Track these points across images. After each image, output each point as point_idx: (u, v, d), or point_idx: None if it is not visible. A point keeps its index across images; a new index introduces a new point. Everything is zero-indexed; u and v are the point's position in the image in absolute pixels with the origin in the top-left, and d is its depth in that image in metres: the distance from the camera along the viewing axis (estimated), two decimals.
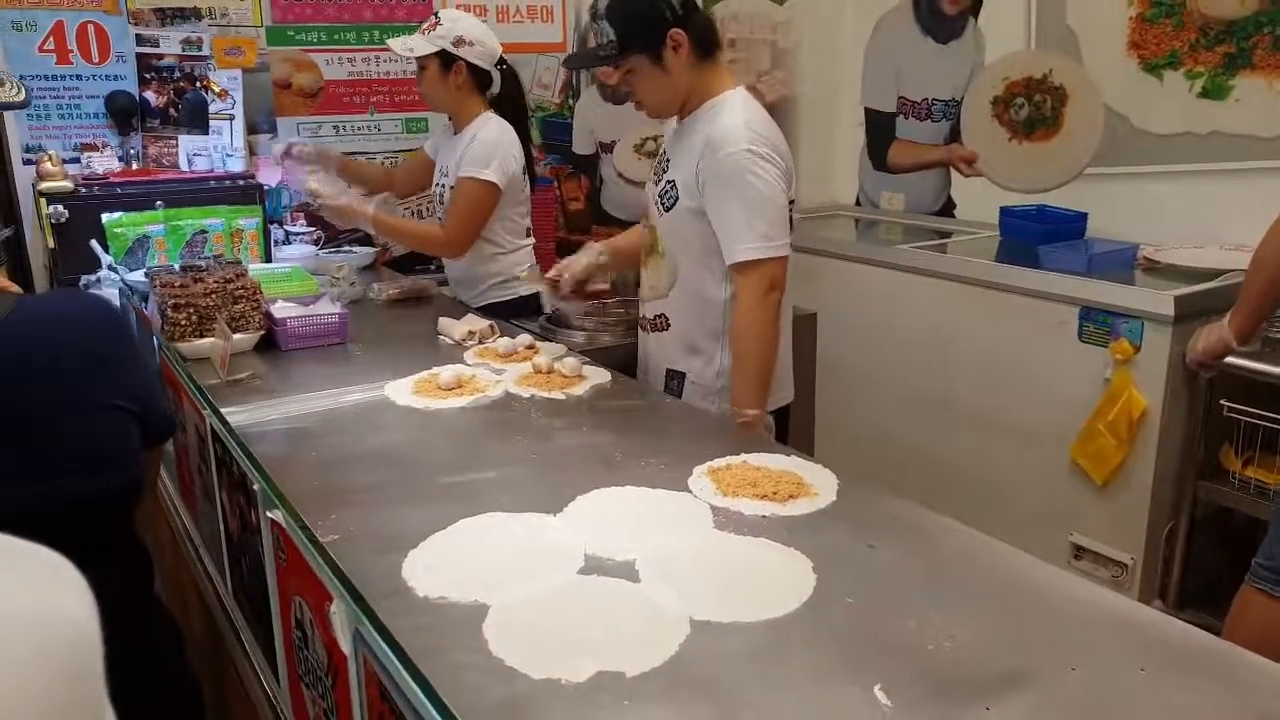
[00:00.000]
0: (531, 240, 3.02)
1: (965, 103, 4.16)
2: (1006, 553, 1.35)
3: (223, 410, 1.86)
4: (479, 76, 2.80)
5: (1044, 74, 3.83)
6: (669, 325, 2.21)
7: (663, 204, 2.10)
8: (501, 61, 2.84)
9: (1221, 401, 2.73)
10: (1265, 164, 3.17)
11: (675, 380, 2.19)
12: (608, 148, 4.20)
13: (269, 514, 1.45)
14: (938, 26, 4.22)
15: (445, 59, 2.73)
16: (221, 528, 1.90)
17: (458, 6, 3.73)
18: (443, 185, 2.89)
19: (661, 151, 2.20)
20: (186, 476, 2.30)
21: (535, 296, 2.92)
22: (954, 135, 4.24)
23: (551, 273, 2.34)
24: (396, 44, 2.75)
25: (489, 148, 2.74)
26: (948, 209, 4.32)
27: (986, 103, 4.07)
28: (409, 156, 3.37)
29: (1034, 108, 3.89)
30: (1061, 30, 3.75)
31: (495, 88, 2.86)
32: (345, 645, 1.19)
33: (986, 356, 3.26)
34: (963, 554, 1.36)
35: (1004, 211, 3.77)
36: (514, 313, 2.82)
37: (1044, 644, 1.12)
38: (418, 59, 2.74)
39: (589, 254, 2.31)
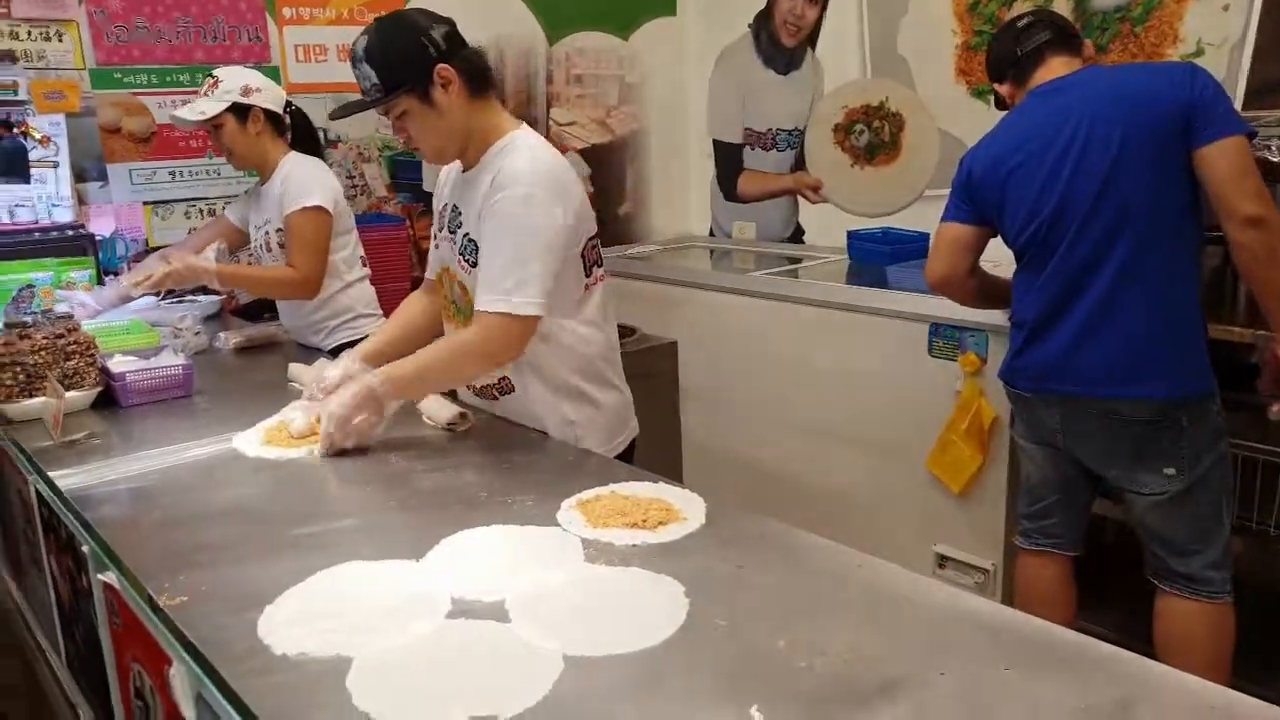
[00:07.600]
0: (367, 271, 2.96)
1: (808, 131, 4.30)
2: (870, 564, 1.37)
3: (59, 472, 1.75)
4: (275, 121, 2.79)
5: (880, 101, 4.00)
6: (513, 387, 2.04)
7: (467, 260, 1.96)
8: (289, 104, 2.85)
9: None
10: None
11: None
12: None
13: (100, 576, 1.36)
14: (778, 58, 4.35)
15: (239, 111, 2.69)
16: (52, 596, 1.78)
17: (297, 47, 3.65)
18: (265, 232, 2.83)
19: (446, 206, 2.06)
20: (12, 546, 2.15)
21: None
22: (799, 164, 4.37)
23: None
24: (186, 112, 2.66)
25: (306, 180, 2.73)
26: (797, 235, 4.44)
27: (828, 130, 4.21)
28: (216, 217, 3.18)
29: (873, 134, 4.05)
30: (894, 59, 3.92)
31: (288, 133, 2.85)
32: (188, 711, 1.12)
33: (843, 376, 3.34)
34: (829, 568, 1.37)
35: (851, 235, 3.90)
36: None
37: (912, 651, 1.14)
38: (212, 120, 2.67)
39: (341, 366, 2.03)
